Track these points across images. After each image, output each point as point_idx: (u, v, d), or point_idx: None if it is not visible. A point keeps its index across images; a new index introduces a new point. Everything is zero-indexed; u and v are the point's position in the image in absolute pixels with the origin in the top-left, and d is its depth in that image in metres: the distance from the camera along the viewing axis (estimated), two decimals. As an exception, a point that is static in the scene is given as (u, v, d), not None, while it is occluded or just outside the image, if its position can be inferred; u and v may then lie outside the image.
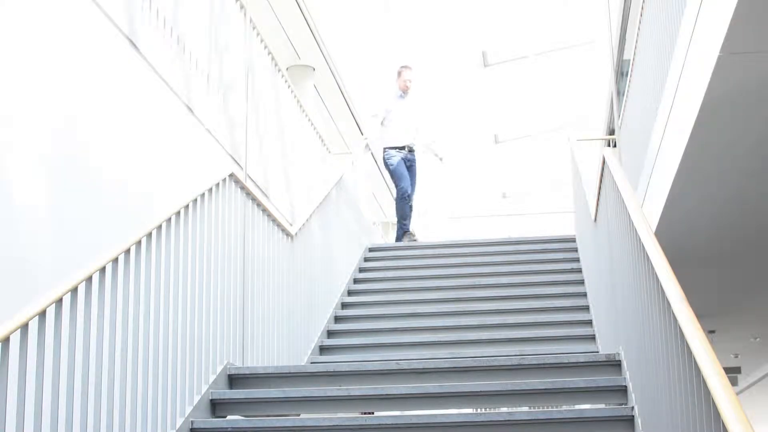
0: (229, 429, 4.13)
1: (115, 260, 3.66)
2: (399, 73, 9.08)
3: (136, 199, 5.22)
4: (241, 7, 7.38)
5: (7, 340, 2.96)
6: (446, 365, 4.64)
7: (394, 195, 9.34)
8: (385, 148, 9.02)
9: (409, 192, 8.92)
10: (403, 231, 8.98)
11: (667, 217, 6.18)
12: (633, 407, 3.90)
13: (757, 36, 3.97)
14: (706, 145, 5.11)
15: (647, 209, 6.44)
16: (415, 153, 9.12)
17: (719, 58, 4.12)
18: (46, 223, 4.33)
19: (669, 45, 5.49)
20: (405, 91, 9.07)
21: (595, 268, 5.93)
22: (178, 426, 4.00)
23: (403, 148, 8.96)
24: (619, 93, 8.80)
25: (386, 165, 9.09)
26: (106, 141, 5.03)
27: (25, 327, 3.06)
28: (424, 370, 4.64)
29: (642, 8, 6.79)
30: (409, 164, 9.01)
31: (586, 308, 6.47)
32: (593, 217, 5.70)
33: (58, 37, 4.64)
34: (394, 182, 9.06)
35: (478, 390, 4.35)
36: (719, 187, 5.87)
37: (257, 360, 5.17)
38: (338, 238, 7.34)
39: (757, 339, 11.77)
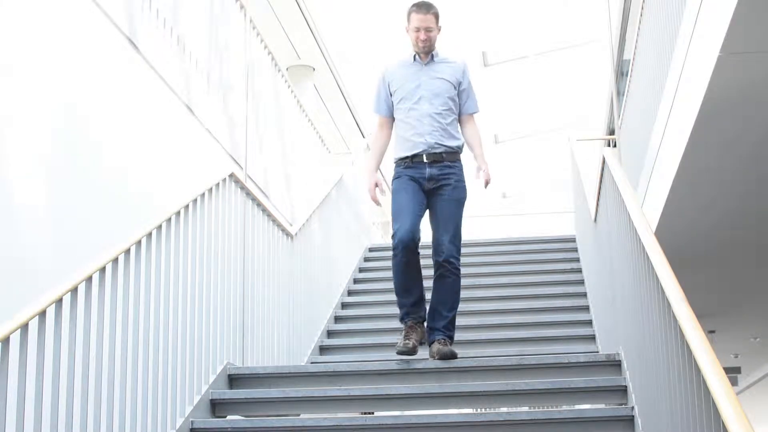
0: (229, 429, 4.13)
1: (115, 260, 3.66)
2: (408, 19, 4.83)
3: (136, 199, 5.22)
4: (241, 7, 7.38)
5: (7, 340, 2.96)
6: (446, 365, 4.64)
7: None
8: (395, 161, 4.86)
9: (407, 239, 4.54)
10: (401, 316, 4.73)
11: (667, 217, 6.18)
12: (633, 407, 3.90)
13: (757, 36, 3.97)
14: (706, 146, 5.12)
15: (647, 209, 6.44)
16: (456, 163, 4.79)
17: (719, 58, 4.12)
18: (46, 223, 4.33)
19: (669, 45, 5.49)
20: (423, 51, 4.81)
21: (595, 268, 5.93)
22: (178, 426, 4.00)
23: (414, 158, 4.72)
24: (619, 93, 8.80)
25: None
26: (106, 141, 5.03)
27: (25, 327, 3.06)
28: (424, 370, 4.64)
29: (642, 8, 6.79)
30: (433, 186, 4.71)
31: (586, 308, 6.47)
32: (593, 217, 5.70)
33: (58, 37, 4.64)
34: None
35: (478, 390, 4.35)
36: (719, 187, 5.87)
37: (257, 360, 5.17)
38: (338, 238, 7.34)
39: (757, 339, 11.78)
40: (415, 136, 4.74)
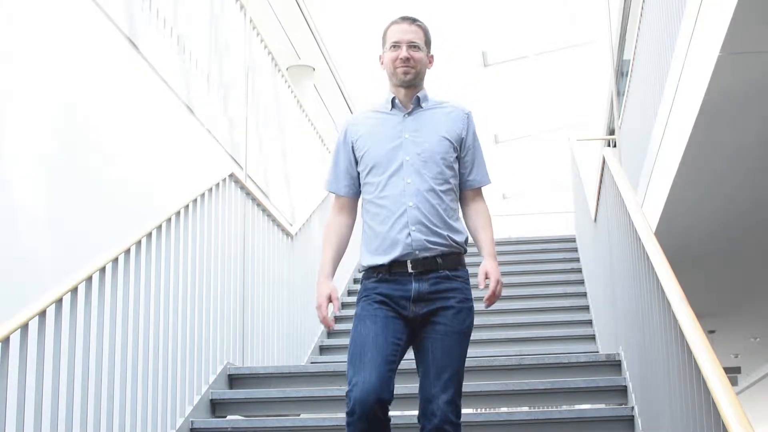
0: (229, 429, 4.13)
1: (115, 260, 3.66)
2: (384, 38, 3.05)
3: (136, 199, 5.22)
4: (241, 7, 7.38)
5: (7, 340, 2.96)
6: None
7: None
8: (360, 271, 3.08)
9: (369, 403, 2.69)
10: None
11: (667, 217, 6.18)
12: (633, 407, 3.90)
13: (757, 36, 3.97)
14: (706, 145, 5.12)
15: (647, 209, 6.44)
16: (459, 272, 3.07)
17: (719, 58, 4.12)
18: (46, 223, 4.33)
19: (669, 45, 5.49)
20: (405, 82, 2.99)
21: (595, 268, 5.93)
22: (178, 426, 4.00)
23: (392, 267, 2.93)
24: (619, 93, 8.80)
25: None
26: (106, 141, 5.02)
27: (25, 327, 3.06)
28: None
29: (642, 8, 6.79)
30: (423, 312, 2.92)
31: (586, 308, 6.47)
32: (593, 217, 5.70)
33: (58, 37, 4.64)
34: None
35: (478, 390, 4.35)
36: (719, 187, 5.87)
37: (257, 360, 5.17)
38: (338, 238, 7.33)
39: (757, 339, 11.78)
40: (393, 229, 2.94)
